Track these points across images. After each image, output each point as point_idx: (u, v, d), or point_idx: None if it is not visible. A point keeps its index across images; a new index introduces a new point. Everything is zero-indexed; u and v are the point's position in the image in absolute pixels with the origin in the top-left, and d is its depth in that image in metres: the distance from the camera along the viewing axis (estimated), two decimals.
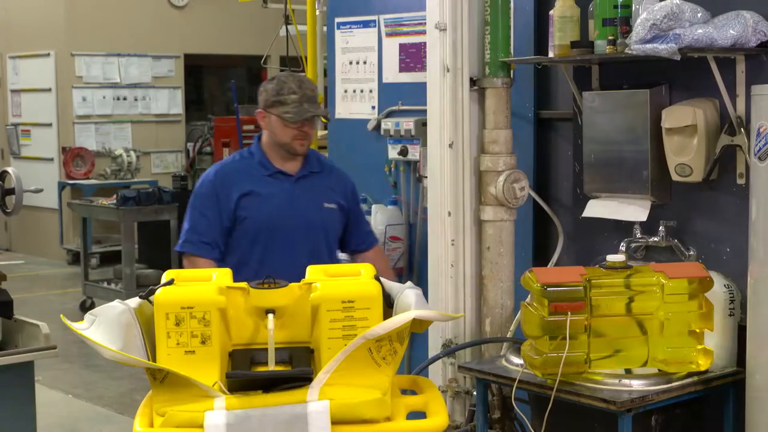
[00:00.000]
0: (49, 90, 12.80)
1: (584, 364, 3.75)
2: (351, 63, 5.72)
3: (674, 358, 3.79)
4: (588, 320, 3.73)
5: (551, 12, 4.43)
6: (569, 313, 3.68)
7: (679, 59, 3.92)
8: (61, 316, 3.11)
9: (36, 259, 12.95)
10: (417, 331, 3.10)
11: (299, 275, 3.12)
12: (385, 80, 5.56)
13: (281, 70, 11.97)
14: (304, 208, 4.03)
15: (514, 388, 3.98)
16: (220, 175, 4.01)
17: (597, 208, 4.52)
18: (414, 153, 5.33)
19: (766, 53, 4.04)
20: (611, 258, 3.86)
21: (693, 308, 3.77)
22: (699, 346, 3.80)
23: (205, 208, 3.97)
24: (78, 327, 2.93)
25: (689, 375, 3.82)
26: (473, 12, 4.58)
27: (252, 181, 4.00)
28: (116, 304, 3.01)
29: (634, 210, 4.39)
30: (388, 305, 3.11)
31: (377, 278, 3.09)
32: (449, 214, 4.65)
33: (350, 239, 4.24)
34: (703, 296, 3.80)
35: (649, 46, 3.92)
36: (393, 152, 5.44)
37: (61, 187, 12.46)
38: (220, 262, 3.92)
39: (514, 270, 4.58)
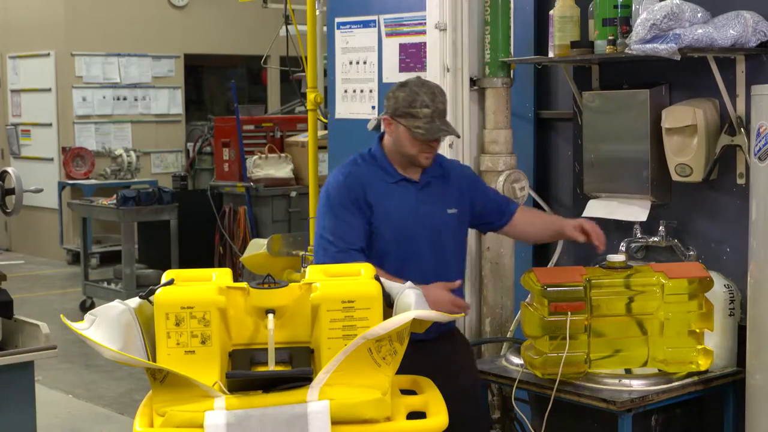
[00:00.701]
0: (49, 90, 12.80)
1: (584, 364, 3.75)
2: (351, 63, 5.72)
3: (674, 358, 3.79)
4: (588, 320, 3.73)
5: (551, 12, 4.43)
6: (569, 313, 3.68)
7: (679, 59, 3.92)
8: (61, 316, 3.11)
9: (36, 259, 12.95)
10: (417, 332, 3.10)
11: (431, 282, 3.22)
12: (385, 80, 5.56)
13: (281, 70, 12.00)
14: (429, 217, 3.80)
15: (514, 388, 3.98)
16: (352, 181, 3.74)
17: (597, 208, 4.52)
18: None
19: (766, 53, 4.04)
20: (611, 258, 3.86)
21: (693, 308, 3.77)
22: (699, 346, 3.81)
23: (346, 215, 3.69)
24: (78, 327, 2.93)
25: (689, 375, 3.82)
26: (473, 12, 4.58)
27: (379, 189, 3.76)
28: (116, 304, 3.01)
29: (634, 210, 4.39)
30: (388, 305, 3.11)
31: (377, 278, 3.09)
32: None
33: (492, 220, 4.02)
34: (703, 296, 3.80)
35: (649, 46, 3.92)
36: None
37: (61, 187, 12.46)
38: None
39: (514, 270, 4.58)
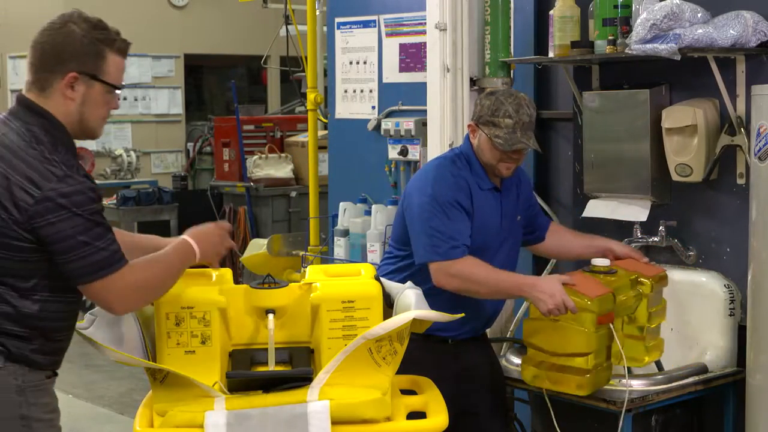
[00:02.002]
0: None
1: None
2: (351, 63, 5.72)
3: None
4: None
5: (551, 12, 4.43)
6: (611, 324, 3.60)
7: (679, 59, 3.92)
8: None
9: None
10: (417, 332, 3.10)
11: None
12: (385, 80, 5.56)
13: (281, 70, 11.99)
14: (507, 227, 3.83)
15: (514, 388, 3.98)
16: (460, 182, 3.68)
17: (597, 208, 4.52)
18: (414, 153, 5.33)
19: (766, 53, 4.04)
20: (596, 262, 3.80)
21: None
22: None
23: (455, 214, 3.62)
24: (78, 327, 2.93)
25: (689, 375, 3.83)
26: (473, 12, 4.58)
27: (477, 195, 3.72)
28: None
29: (634, 210, 4.39)
30: (388, 305, 3.11)
31: (377, 278, 3.10)
32: None
33: (532, 235, 4.05)
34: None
35: (649, 46, 3.92)
36: (393, 152, 5.44)
37: None
38: None
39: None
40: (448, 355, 3.69)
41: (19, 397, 2.73)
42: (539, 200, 4.84)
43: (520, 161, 3.75)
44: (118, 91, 2.91)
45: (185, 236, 2.96)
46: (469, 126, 3.78)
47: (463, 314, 3.23)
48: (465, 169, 3.72)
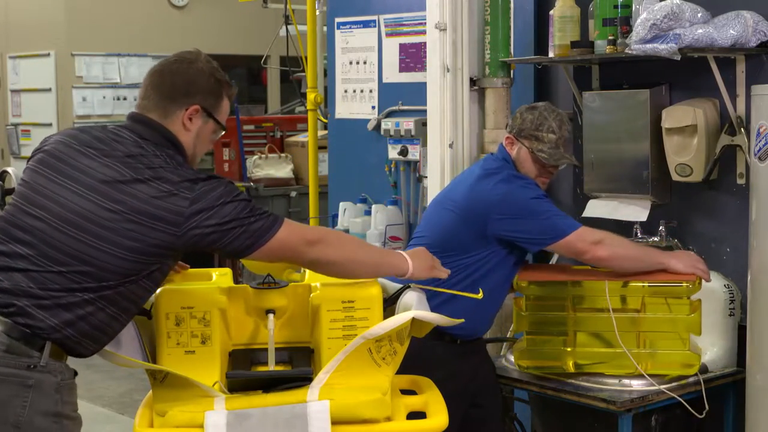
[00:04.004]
0: (49, 90, 12.78)
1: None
2: (351, 63, 5.72)
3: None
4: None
5: (551, 12, 4.43)
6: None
7: (679, 59, 3.92)
8: None
9: None
10: (417, 335, 3.10)
11: None
12: (385, 80, 5.56)
13: (281, 70, 11.99)
14: None
15: (514, 389, 3.98)
16: (533, 183, 3.77)
17: (597, 208, 4.52)
18: (414, 153, 5.33)
19: (766, 53, 4.04)
20: None
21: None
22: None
23: (551, 204, 3.76)
24: None
25: (688, 375, 3.83)
26: (473, 12, 4.58)
27: None
28: None
29: (634, 210, 4.39)
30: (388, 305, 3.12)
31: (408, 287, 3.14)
32: None
33: None
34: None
35: (649, 46, 3.92)
36: (393, 152, 5.44)
37: None
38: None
39: None
40: (458, 355, 3.72)
41: (56, 394, 2.78)
42: None
43: (554, 176, 3.88)
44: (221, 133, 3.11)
45: (404, 253, 3.14)
46: (507, 138, 3.80)
47: (462, 320, 3.25)
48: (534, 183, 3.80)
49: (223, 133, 3.11)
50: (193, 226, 2.76)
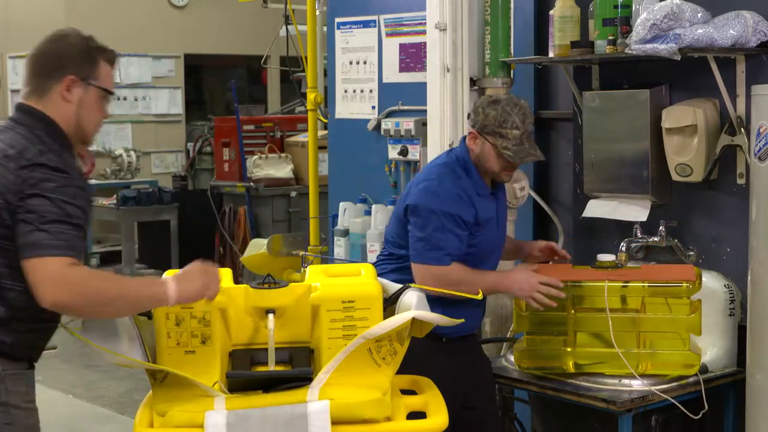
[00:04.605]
0: None
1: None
2: (351, 63, 5.72)
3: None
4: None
5: (551, 12, 4.43)
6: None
7: (679, 59, 3.92)
8: (61, 323, 3.11)
9: None
10: (417, 335, 3.10)
11: None
12: (385, 80, 5.56)
13: (281, 70, 11.99)
14: (503, 228, 3.92)
15: (514, 389, 3.98)
16: (461, 192, 3.71)
17: (597, 208, 4.52)
18: (414, 153, 5.33)
19: (766, 53, 4.04)
20: (601, 258, 3.86)
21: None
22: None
23: (448, 226, 3.66)
24: (78, 333, 2.93)
25: (688, 375, 3.83)
26: (473, 12, 4.58)
27: (480, 202, 3.74)
28: None
29: (634, 210, 4.39)
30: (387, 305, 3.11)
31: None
32: None
33: None
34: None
35: (649, 46, 3.92)
36: (393, 152, 5.44)
37: None
38: None
39: None
40: (443, 352, 3.69)
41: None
42: (539, 200, 4.85)
43: (517, 167, 3.82)
44: (110, 98, 3.09)
45: (169, 278, 2.92)
46: (470, 133, 3.76)
47: (462, 320, 3.25)
48: (464, 176, 3.74)
49: (111, 95, 3.09)
50: (13, 201, 2.80)
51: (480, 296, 3.36)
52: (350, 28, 5.71)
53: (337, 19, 5.77)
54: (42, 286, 2.73)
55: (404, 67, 5.46)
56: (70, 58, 3.01)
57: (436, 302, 3.36)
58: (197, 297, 2.92)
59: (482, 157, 3.72)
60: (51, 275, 2.72)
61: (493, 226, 3.79)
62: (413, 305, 3.03)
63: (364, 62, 5.65)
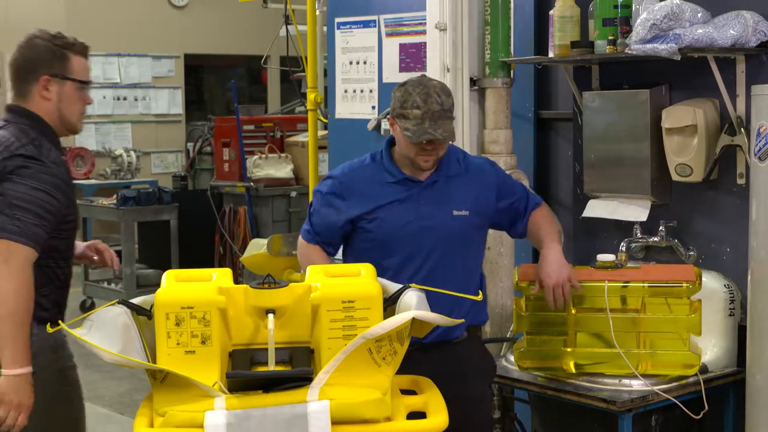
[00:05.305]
0: None
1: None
2: (351, 63, 5.72)
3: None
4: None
5: (551, 12, 4.43)
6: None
7: (679, 59, 3.92)
8: (60, 322, 3.11)
9: None
10: (417, 335, 3.09)
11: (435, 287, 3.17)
12: (385, 80, 5.56)
13: (281, 70, 11.99)
14: (429, 218, 3.57)
15: (514, 389, 3.98)
16: (346, 179, 3.68)
17: (597, 208, 4.52)
18: None
19: (766, 53, 4.04)
20: (601, 258, 3.86)
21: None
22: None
23: (322, 207, 3.74)
24: (78, 333, 2.93)
25: (688, 375, 3.83)
26: (473, 12, 4.58)
27: (375, 189, 3.61)
28: (112, 307, 3.01)
29: (634, 210, 4.39)
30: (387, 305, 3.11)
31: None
32: None
33: (511, 224, 3.78)
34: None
35: (649, 46, 3.92)
36: None
37: None
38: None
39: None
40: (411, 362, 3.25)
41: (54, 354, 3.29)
42: None
43: (438, 152, 3.53)
44: (87, 87, 3.44)
45: (13, 374, 3.15)
46: (388, 119, 3.63)
47: (463, 320, 3.23)
48: (371, 164, 3.65)
49: (88, 85, 3.44)
50: None
51: (480, 298, 3.30)
52: (350, 28, 5.71)
53: (337, 19, 5.77)
54: None
55: (404, 67, 5.45)
56: (40, 60, 3.31)
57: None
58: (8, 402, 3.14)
59: (398, 143, 3.59)
60: None
61: (402, 216, 3.57)
62: (413, 305, 3.03)
63: (364, 62, 5.65)
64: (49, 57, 3.32)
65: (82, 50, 3.42)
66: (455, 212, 3.60)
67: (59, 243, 3.31)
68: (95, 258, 3.63)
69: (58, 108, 3.34)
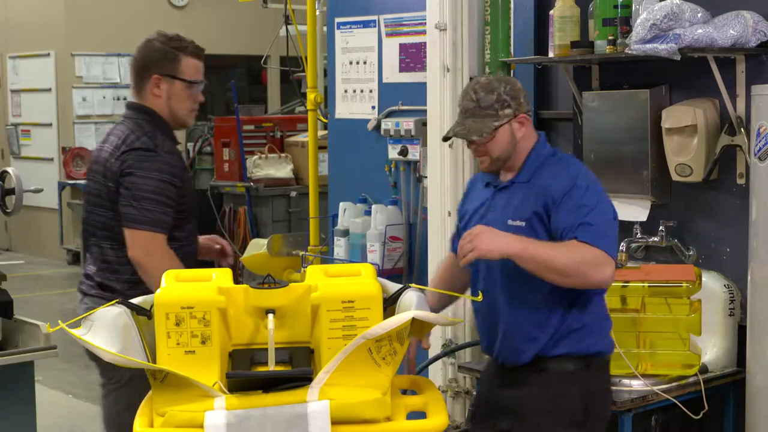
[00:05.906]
0: (49, 90, 12.80)
1: None
2: (351, 63, 5.72)
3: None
4: None
5: (551, 12, 4.43)
6: None
7: (679, 59, 3.93)
8: (60, 322, 3.10)
9: (36, 259, 12.94)
10: (417, 335, 3.09)
11: (491, 297, 3.16)
12: (385, 80, 5.56)
13: (281, 70, 11.99)
14: (491, 224, 3.27)
15: None
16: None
17: None
18: (414, 153, 5.33)
19: (766, 53, 4.04)
20: None
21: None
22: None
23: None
24: (78, 332, 2.92)
25: (688, 375, 3.83)
26: (473, 12, 4.58)
27: (478, 190, 3.49)
28: (112, 307, 3.01)
29: (634, 210, 4.39)
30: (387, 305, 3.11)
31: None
32: (449, 214, 4.64)
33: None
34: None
35: (649, 46, 3.92)
36: (393, 152, 5.44)
37: (61, 187, 12.45)
38: None
39: None
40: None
41: None
42: None
43: (484, 152, 3.32)
44: (198, 86, 3.70)
45: None
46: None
47: (462, 320, 3.23)
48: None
49: (199, 84, 3.70)
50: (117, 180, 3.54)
51: (480, 298, 3.22)
52: (350, 28, 5.71)
53: (337, 19, 5.77)
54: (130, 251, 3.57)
55: (404, 67, 5.46)
56: (153, 61, 3.64)
57: None
58: None
59: None
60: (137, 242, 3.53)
61: (475, 220, 3.42)
62: (413, 305, 3.03)
63: (364, 62, 5.65)
64: (161, 57, 3.63)
65: (195, 52, 3.70)
66: (510, 222, 3.31)
67: (177, 224, 3.69)
68: (216, 247, 4.17)
69: (168, 104, 3.65)
